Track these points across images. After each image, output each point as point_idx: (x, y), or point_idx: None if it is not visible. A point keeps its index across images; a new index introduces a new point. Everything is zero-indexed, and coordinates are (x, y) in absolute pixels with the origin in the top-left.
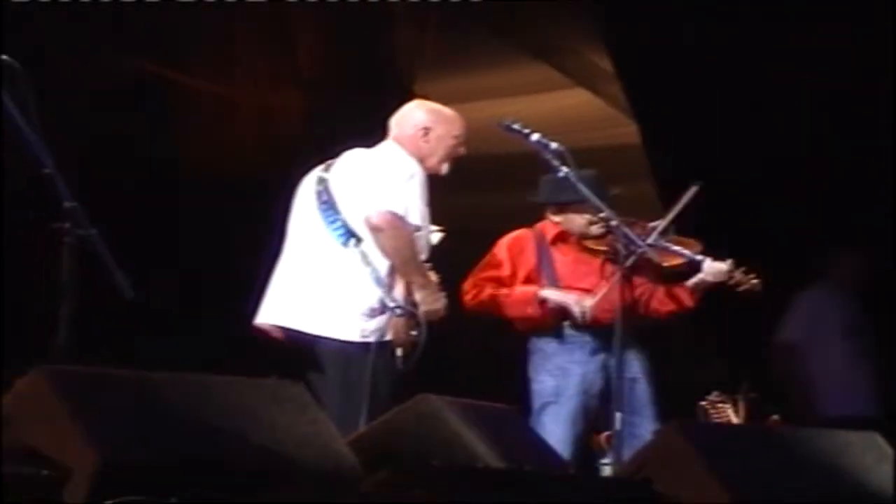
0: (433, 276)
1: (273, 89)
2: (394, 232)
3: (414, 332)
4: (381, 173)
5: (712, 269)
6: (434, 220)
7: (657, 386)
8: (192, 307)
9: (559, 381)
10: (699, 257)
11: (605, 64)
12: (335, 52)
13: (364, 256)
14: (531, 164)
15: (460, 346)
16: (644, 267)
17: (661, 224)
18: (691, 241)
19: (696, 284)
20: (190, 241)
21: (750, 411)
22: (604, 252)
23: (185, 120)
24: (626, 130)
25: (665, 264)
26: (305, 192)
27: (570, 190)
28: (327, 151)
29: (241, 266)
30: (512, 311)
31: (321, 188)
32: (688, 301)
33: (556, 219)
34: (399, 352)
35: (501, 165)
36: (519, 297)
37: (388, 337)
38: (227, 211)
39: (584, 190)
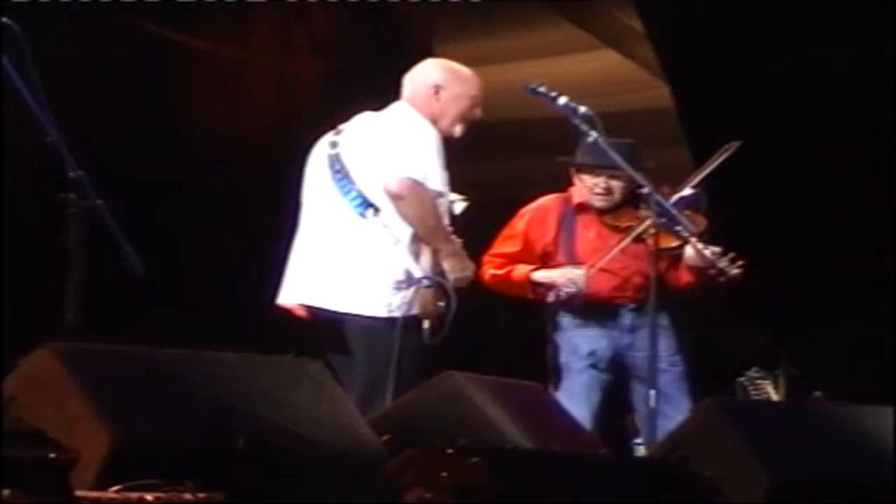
0: (458, 242)
1: (286, 55)
2: (415, 199)
3: (441, 304)
4: (395, 137)
5: (692, 254)
6: (457, 188)
7: (689, 362)
8: (208, 284)
9: (567, 357)
10: (692, 238)
11: (635, 23)
12: (350, 15)
13: (385, 227)
14: (559, 130)
15: (492, 321)
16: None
17: (689, 181)
18: (698, 217)
19: (688, 261)
20: (202, 214)
21: (791, 388)
22: (623, 229)
23: (195, 85)
24: (658, 93)
25: (662, 244)
26: (317, 161)
27: (593, 154)
28: (341, 120)
29: (257, 239)
30: (514, 293)
31: (333, 157)
32: (686, 277)
33: (576, 182)
34: (426, 324)
35: (527, 131)
36: (515, 279)
37: (415, 311)
38: (241, 180)
39: (613, 154)
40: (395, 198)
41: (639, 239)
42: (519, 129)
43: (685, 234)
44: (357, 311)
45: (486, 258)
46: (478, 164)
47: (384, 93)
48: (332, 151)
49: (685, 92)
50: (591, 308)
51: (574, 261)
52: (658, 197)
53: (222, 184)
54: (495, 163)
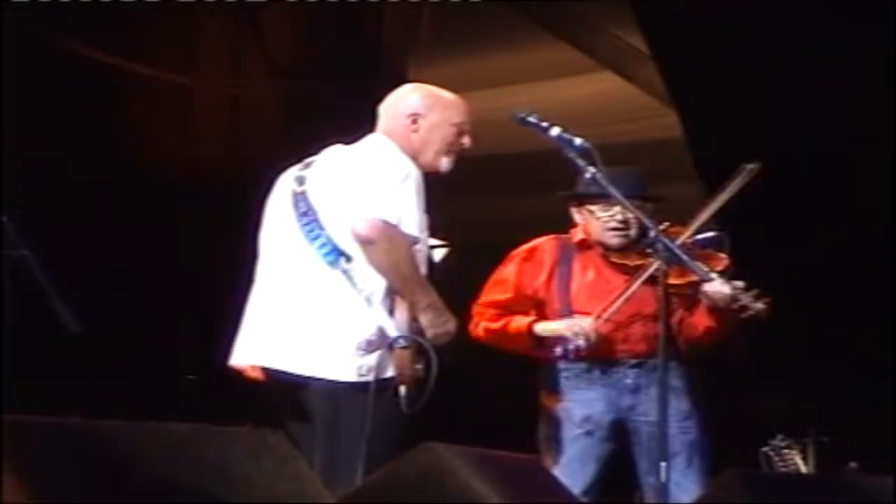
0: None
1: (239, 77)
2: (387, 244)
3: (419, 366)
4: (367, 174)
5: (713, 288)
6: (441, 231)
7: (704, 428)
8: (150, 341)
9: (559, 423)
10: (712, 275)
11: (637, 42)
12: (312, 34)
13: (355, 278)
14: (552, 165)
15: (479, 380)
16: (678, 292)
17: (701, 216)
18: (718, 256)
19: (706, 302)
20: (145, 259)
21: (822, 458)
22: (633, 268)
23: (141, 114)
24: (665, 121)
25: (671, 281)
26: (280, 200)
27: (600, 185)
28: (306, 149)
29: (207, 288)
30: (512, 347)
31: (299, 195)
32: (705, 322)
33: (578, 219)
34: (403, 390)
35: (514, 166)
36: (513, 332)
37: (390, 373)
38: (190, 219)
39: (611, 189)
40: (365, 242)
41: (651, 279)
42: (505, 165)
43: (705, 273)
44: (323, 375)
45: (477, 309)
46: (457, 204)
47: (353, 117)
48: (299, 188)
49: (696, 120)
50: (586, 364)
51: (570, 307)
52: (665, 240)
53: (168, 223)
54: (477, 203)
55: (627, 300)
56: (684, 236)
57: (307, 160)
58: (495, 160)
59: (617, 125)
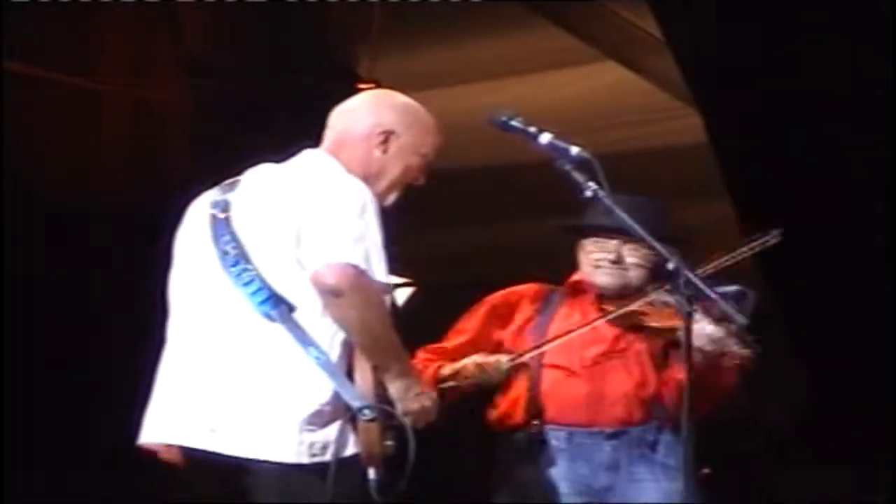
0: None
1: (148, 77)
2: (360, 297)
3: (389, 442)
4: (321, 205)
5: (707, 333)
6: (403, 267)
7: None
8: (40, 415)
9: None
10: (742, 316)
11: (651, 26)
12: (236, 23)
13: (301, 332)
14: (547, 182)
15: (453, 452)
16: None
17: (706, 268)
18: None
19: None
20: (34, 307)
21: None
22: (628, 316)
23: (25, 121)
24: (684, 123)
25: (652, 324)
26: (195, 233)
27: (591, 215)
28: (230, 164)
29: (110, 346)
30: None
31: (220, 223)
32: (678, 374)
33: (580, 257)
34: (372, 473)
35: (496, 183)
36: (427, 378)
37: (352, 451)
38: (85, 252)
39: (619, 213)
40: (332, 294)
41: (637, 324)
42: (484, 182)
43: (737, 320)
44: (264, 456)
45: (416, 355)
46: (424, 232)
47: (288, 122)
48: (221, 214)
49: (723, 121)
50: (549, 434)
51: (539, 359)
52: (689, 274)
53: (60, 261)
54: (449, 231)
55: (603, 349)
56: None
57: (229, 181)
58: (471, 176)
59: (625, 129)
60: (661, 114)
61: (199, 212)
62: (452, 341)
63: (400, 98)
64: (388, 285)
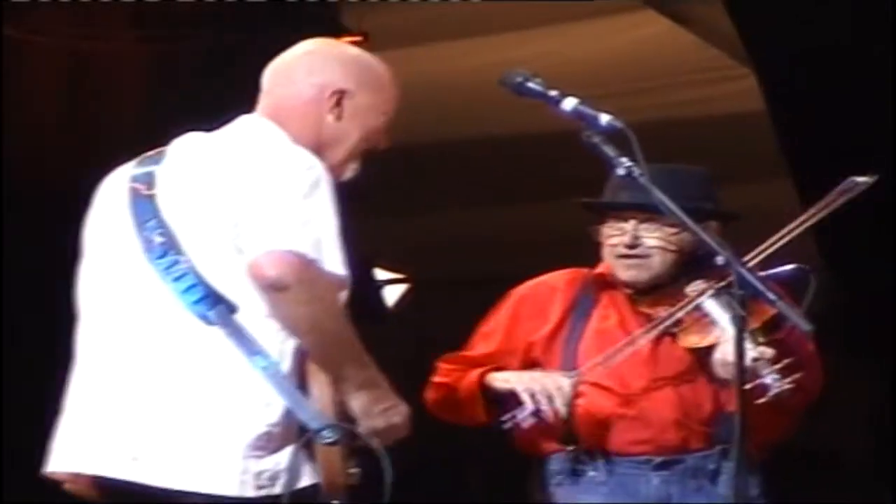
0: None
1: (89, 28)
2: (307, 291)
3: (355, 470)
4: (261, 183)
5: (722, 356)
6: (393, 260)
7: None
8: None
9: None
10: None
11: None
12: None
13: (245, 338)
14: (568, 154)
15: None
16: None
17: (777, 239)
18: (764, 307)
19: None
20: None
21: None
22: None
23: None
24: (737, 87)
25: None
26: (112, 216)
27: (621, 189)
28: (181, 127)
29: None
30: (463, 419)
31: (143, 202)
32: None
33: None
34: None
35: (514, 156)
36: (462, 390)
37: (309, 481)
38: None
39: (658, 193)
40: (272, 288)
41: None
42: (496, 155)
43: (796, 321)
44: (200, 489)
45: (437, 364)
46: (421, 217)
47: (256, 84)
48: (146, 193)
49: (785, 86)
50: (585, 463)
51: (574, 367)
52: (741, 268)
53: None
54: (453, 215)
55: (648, 363)
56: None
57: (152, 152)
58: (482, 147)
59: (666, 93)
60: (711, 74)
61: (114, 190)
62: (478, 349)
63: (347, 49)
64: (344, 278)
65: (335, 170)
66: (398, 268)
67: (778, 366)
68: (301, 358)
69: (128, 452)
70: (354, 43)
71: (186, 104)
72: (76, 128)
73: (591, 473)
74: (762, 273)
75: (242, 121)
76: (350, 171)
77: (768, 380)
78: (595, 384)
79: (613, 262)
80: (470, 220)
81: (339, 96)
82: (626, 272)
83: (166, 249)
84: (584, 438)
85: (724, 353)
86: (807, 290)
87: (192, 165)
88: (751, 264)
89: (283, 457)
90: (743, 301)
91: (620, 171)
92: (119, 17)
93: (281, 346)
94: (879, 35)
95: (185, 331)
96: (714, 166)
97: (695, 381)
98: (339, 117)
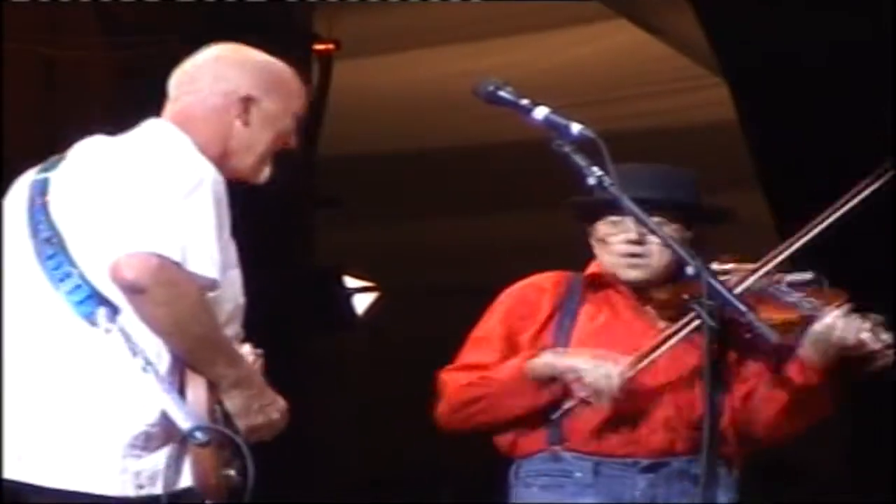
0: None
1: (59, 34)
2: (166, 292)
3: (230, 472)
4: (137, 184)
5: (833, 325)
6: (364, 267)
7: None
8: None
9: None
10: (774, 333)
11: None
12: None
13: (127, 340)
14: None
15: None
16: (752, 347)
17: (783, 250)
18: (837, 291)
19: (809, 350)
20: None
21: None
22: (669, 309)
23: None
24: (708, 96)
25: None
26: (14, 218)
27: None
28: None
29: None
30: (506, 412)
31: (37, 209)
32: (798, 379)
33: (594, 246)
34: None
35: (482, 164)
36: (505, 383)
37: (188, 483)
38: None
39: (628, 203)
40: (131, 290)
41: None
42: (466, 163)
43: (809, 308)
44: (80, 488)
45: (444, 376)
46: (393, 225)
47: None
48: (39, 199)
49: (756, 93)
50: (574, 465)
51: None
52: (713, 281)
53: None
54: (426, 223)
55: (649, 364)
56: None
57: (54, 157)
58: (451, 156)
59: (638, 101)
60: (683, 83)
61: (17, 195)
62: (481, 356)
63: (253, 55)
64: (212, 281)
65: (247, 174)
66: (368, 276)
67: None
68: (179, 361)
69: (14, 452)
70: (325, 50)
71: (152, 109)
72: (52, 129)
73: (578, 475)
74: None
75: (147, 125)
76: (264, 175)
77: (877, 347)
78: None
79: (614, 261)
80: (446, 228)
81: (247, 103)
82: (630, 271)
83: (54, 252)
84: (573, 439)
85: (829, 323)
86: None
87: (84, 169)
88: (772, 264)
89: (163, 457)
90: (711, 312)
91: (591, 181)
92: (87, 23)
93: (160, 348)
94: (853, 43)
95: (69, 332)
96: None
97: (688, 385)
98: (246, 123)
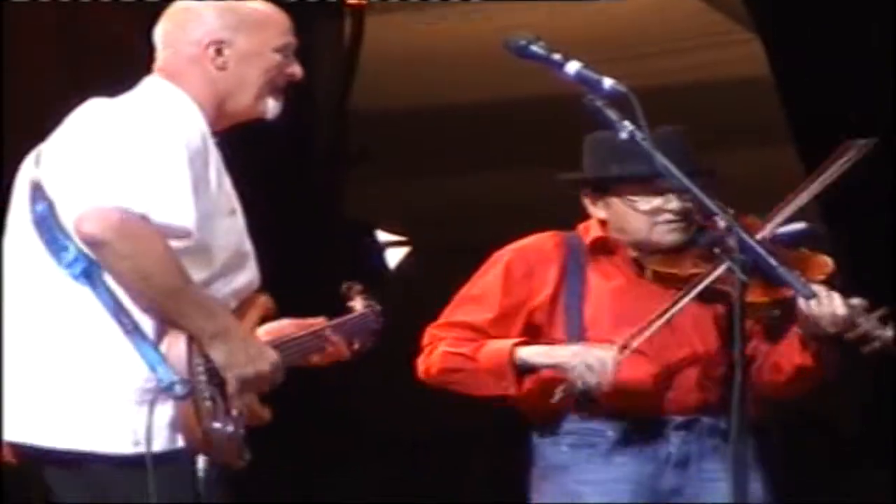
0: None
1: None
2: (128, 244)
3: (218, 424)
4: (101, 139)
5: (820, 308)
6: (398, 224)
7: None
8: None
9: None
10: (815, 287)
11: None
12: None
13: (110, 297)
14: (571, 115)
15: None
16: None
17: (789, 204)
18: (819, 258)
19: (803, 333)
20: None
21: None
22: (685, 279)
23: None
24: (741, 52)
25: (748, 299)
26: (19, 191)
27: (631, 159)
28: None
29: None
30: (481, 391)
31: (36, 182)
32: (797, 359)
33: (599, 213)
34: (201, 462)
35: (514, 120)
36: (485, 363)
37: (180, 442)
38: None
39: (661, 159)
40: (93, 244)
41: (711, 294)
42: (497, 119)
43: (802, 284)
44: (75, 446)
45: (432, 332)
46: (425, 182)
47: None
48: (35, 174)
49: (791, 51)
50: (605, 424)
51: (583, 338)
52: (741, 231)
53: None
54: (457, 180)
55: (673, 329)
56: (764, 231)
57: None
58: (484, 111)
59: (668, 57)
60: (714, 38)
61: (24, 168)
62: (475, 315)
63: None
64: (182, 229)
65: (249, 112)
66: (400, 231)
67: (876, 314)
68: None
69: (14, 415)
70: (357, 4)
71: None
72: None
73: (611, 434)
74: (778, 231)
75: (143, 82)
76: (271, 111)
77: (869, 328)
78: (613, 342)
79: (650, 228)
80: (478, 183)
81: (218, 48)
82: (669, 236)
83: (49, 221)
84: (605, 399)
85: (823, 306)
86: (819, 242)
87: (66, 134)
88: (769, 228)
89: (165, 415)
90: (744, 266)
91: (623, 135)
92: None
93: (144, 305)
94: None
95: (59, 291)
96: (717, 132)
97: (713, 343)
98: (223, 67)
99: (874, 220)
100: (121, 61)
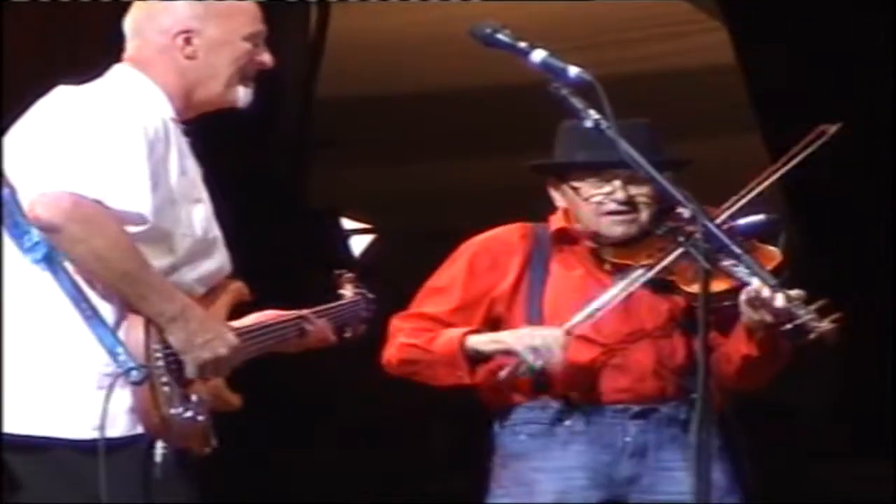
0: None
1: None
2: (82, 228)
3: (175, 410)
4: (58, 124)
5: (757, 296)
6: (361, 211)
7: None
8: None
9: None
10: (751, 278)
11: None
12: None
13: (71, 284)
14: (529, 106)
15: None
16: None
17: (747, 193)
18: (768, 249)
19: (745, 323)
20: None
21: None
22: (642, 268)
23: None
24: (707, 40)
25: (688, 289)
26: None
27: (579, 147)
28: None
29: None
30: (438, 381)
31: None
32: (743, 349)
33: (559, 202)
34: (159, 448)
35: (469, 108)
36: (439, 352)
37: (140, 428)
38: None
39: (625, 146)
40: (48, 230)
41: (662, 284)
42: (464, 108)
43: (746, 274)
44: (31, 431)
45: (396, 323)
46: (389, 170)
47: None
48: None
49: (756, 39)
50: (561, 412)
51: (542, 323)
52: (705, 218)
53: None
54: (420, 168)
55: (625, 313)
56: (722, 216)
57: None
58: (449, 98)
59: (635, 46)
60: (680, 27)
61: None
62: (436, 306)
63: None
64: (138, 216)
65: (220, 101)
66: (365, 218)
67: (814, 306)
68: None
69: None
70: None
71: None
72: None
73: (568, 423)
74: (735, 222)
75: (112, 70)
76: (242, 99)
77: (806, 320)
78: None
79: (597, 220)
80: (442, 170)
81: (187, 37)
82: (616, 228)
83: (7, 201)
84: (562, 388)
85: (759, 294)
86: (778, 241)
87: (31, 120)
88: (723, 217)
89: (124, 400)
90: (708, 255)
91: (588, 124)
92: None
93: (104, 290)
94: None
95: (22, 277)
96: (683, 120)
97: (671, 332)
98: (192, 56)
99: (874, 221)
100: (96, 50)
